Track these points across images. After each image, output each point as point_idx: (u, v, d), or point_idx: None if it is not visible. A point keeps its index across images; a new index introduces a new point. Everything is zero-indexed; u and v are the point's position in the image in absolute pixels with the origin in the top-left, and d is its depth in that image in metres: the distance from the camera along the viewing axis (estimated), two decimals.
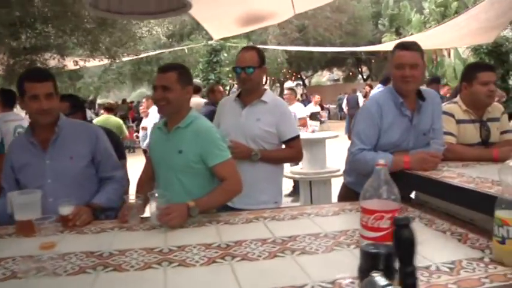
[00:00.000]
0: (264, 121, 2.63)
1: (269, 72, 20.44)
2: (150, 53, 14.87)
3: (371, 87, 12.80)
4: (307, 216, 2.06)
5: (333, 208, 2.22)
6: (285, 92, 7.76)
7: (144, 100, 8.34)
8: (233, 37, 13.28)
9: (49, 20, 6.61)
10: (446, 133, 2.57)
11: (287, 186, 6.66)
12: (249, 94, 2.71)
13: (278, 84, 28.08)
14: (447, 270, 1.36)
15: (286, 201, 6.43)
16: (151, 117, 7.43)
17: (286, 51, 18.21)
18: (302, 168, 5.77)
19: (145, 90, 21.24)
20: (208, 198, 2.10)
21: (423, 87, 2.44)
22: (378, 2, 23.21)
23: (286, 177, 6.07)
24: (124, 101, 20.12)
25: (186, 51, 16.08)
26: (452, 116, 2.66)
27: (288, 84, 30.14)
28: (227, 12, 4.83)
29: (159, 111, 2.53)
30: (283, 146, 2.73)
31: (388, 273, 1.13)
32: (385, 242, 1.17)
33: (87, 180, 2.31)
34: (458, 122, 2.67)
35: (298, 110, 7.18)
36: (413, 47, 2.36)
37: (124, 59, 8.98)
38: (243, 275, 1.39)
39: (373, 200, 1.17)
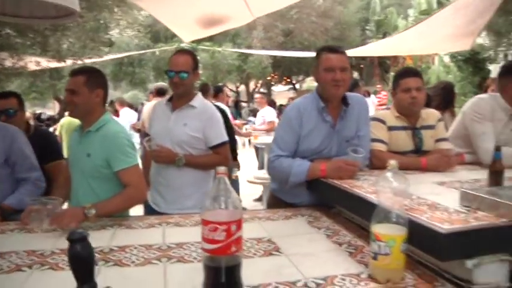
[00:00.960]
0: (191, 126, 2.57)
1: (253, 76, 20.39)
2: (119, 55, 14.78)
3: (368, 93, 12.39)
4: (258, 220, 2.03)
5: (286, 213, 2.15)
6: (256, 95, 7.73)
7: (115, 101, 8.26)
8: (210, 39, 13.22)
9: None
10: (376, 140, 2.49)
11: (257, 191, 6.65)
12: (179, 98, 2.65)
13: (266, 90, 28.07)
14: (313, 286, 1.28)
15: (255, 205, 6.40)
16: (122, 119, 7.36)
17: (271, 55, 18.18)
18: (265, 173, 5.70)
19: (137, 92, 21.07)
20: (107, 202, 2.05)
21: (349, 93, 2.35)
22: (366, 8, 23.23)
23: (249, 181, 6.04)
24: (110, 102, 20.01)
25: (158, 53, 16.01)
26: (384, 122, 2.58)
27: (279, 88, 30.07)
28: (186, 14, 4.76)
29: (69, 115, 2.49)
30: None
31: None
32: (223, 255, 1.08)
33: (1, 180, 2.32)
34: (390, 128, 2.59)
35: (268, 113, 7.14)
36: (340, 50, 2.30)
37: (87, 61, 8.87)
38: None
39: (214, 210, 1.08)
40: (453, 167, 2.43)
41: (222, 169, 1.10)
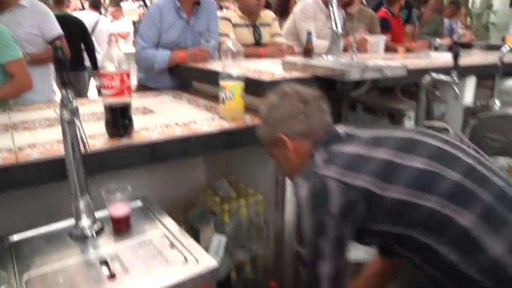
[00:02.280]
0: (25, 24, 2.80)
1: None
2: None
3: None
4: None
5: (153, 93, 2.60)
6: (109, 9, 7.72)
7: None
8: None
9: None
10: (223, 34, 3.03)
11: None
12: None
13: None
14: (181, 124, 1.83)
15: None
16: None
17: None
18: None
19: None
20: None
21: None
22: None
23: None
24: None
25: None
26: (229, 20, 3.14)
27: (128, 5, 28.69)
28: None
29: None
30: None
31: None
32: (120, 97, 1.56)
33: None
34: (235, 25, 3.16)
35: (125, 24, 7.29)
36: None
37: None
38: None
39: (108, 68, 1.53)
40: (284, 56, 3.11)
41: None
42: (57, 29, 2.91)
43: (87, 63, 4.94)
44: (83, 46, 4.79)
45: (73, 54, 4.48)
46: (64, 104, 1.12)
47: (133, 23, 8.78)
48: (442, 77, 1.98)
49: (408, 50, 4.12)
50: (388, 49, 3.98)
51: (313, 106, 1.34)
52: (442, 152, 1.19)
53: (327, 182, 1.15)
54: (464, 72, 3.19)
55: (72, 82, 1.14)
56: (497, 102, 3.29)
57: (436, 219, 1.10)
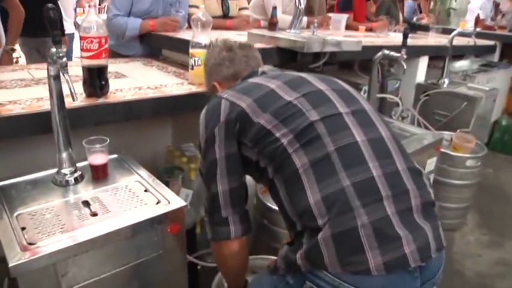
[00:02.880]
0: None
1: None
2: None
3: None
4: None
5: (125, 60, 2.73)
6: None
7: None
8: None
9: None
10: (192, 6, 3.14)
11: None
12: None
13: None
14: (153, 87, 1.97)
15: None
16: None
17: None
18: None
19: None
20: None
21: None
22: None
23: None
24: None
25: None
26: None
27: None
28: None
29: None
30: None
31: None
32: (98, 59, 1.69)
33: None
34: None
35: None
36: None
37: None
38: None
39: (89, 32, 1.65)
40: (251, 28, 3.26)
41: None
42: None
43: None
44: None
45: (39, 20, 4.49)
46: (53, 60, 1.25)
47: None
48: (393, 53, 2.18)
49: (369, 29, 4.35)
50: (350, 27, 4.20)
51: (237, 53, 1.46)
52: (319, 94, 1.22)
53: (220, 101, 1.25)
54: (417, 52, 3.45)
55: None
56: (446, 81, 3.57)
57: (280, 154, 1.13)
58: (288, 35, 2.29)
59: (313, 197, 1.05)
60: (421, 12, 6.52)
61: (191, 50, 2.03)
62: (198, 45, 2.02)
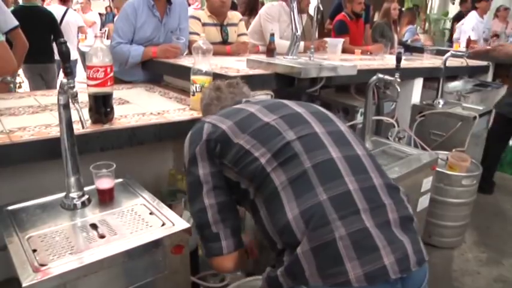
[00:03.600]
0: None
1: None
2: None
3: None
4: None
5: (127, 86, 2.82)
6: (80, 0, 7.80)
7: None
8: None
9: None
10: (193, 33, 3.25)
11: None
12: None
13: None
14: (155, 113, 2.05)
15: None
16: None
17: None
18: None
19: None
20: None
21: None
22: None
23: (78, 82, 6.37)
24: None
25: None
26: (199, 19, 3.36)
27: None
28: None
29: None
30: None
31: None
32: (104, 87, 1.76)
33: None
34: (204, 24, 3.38)
35: (93, 16, 7.39)
36: None
37: None
38: None
39: (96, 60, 1.73)
40: (249, 54, 3.36)
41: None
42: (12, 20, 2.97)
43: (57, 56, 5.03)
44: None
45: (42, 46, 4.59)
46: (64, 90, 1.32)
47: (100, 15, 8.92)
48: (387, 77, 2.26)
49: (365, 52, 4.45)
50: (347, 51, 4.30)
51: (224, 91, 1.56)
52: (296, 115, 1.28)
53: (203, 124, 1.32)
54: (412, 73, 3.54)
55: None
56: (441, 102, 3.65)
57: (259, 174, 1.17)
58: (286, 61, 2.38)
59: (291, 213, 1.08)
60: None
61: (192, 77, 2.11)
62: (199, 72, 2.10)
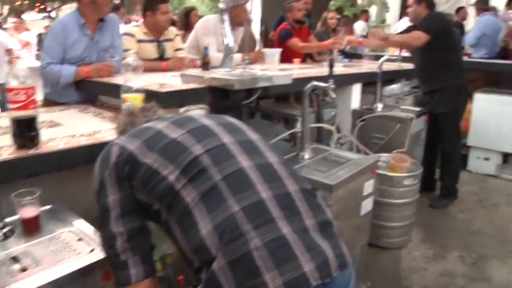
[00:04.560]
0: None
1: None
2: None
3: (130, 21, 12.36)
4: None
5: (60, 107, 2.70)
6: (15, 19, 7.53)
7: None
8: None
9: None
10: (127, 50, 3.17)
11: None
12: None
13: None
14: (86, 135, 1.97)
15: None
16: None
17: None
18: None
19: None
20: None
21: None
22: None
23: None
24: None
25: None
26: (133, 36, 3.30)
27: (31, 16, 27.52)
28: None
29: None
30: None
31: None
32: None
33: None
34: (139, 41, 3.32)
35: (28, 36, 7.16)
36: None
37: None
38: None
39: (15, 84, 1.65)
40: (186, 69, 3.32)
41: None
42: None
43: None
44: None
45: None
46: None
47: (40, 34, 8.66)
48: (321, 84, 2.28)
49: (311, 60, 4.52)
50: (301, 51, 4.38)
51: (138, 116, 1.51)
52: (203, 128, 1.26)
53: (112, 147, 1.29)
54: (350, 79, 3.61)
55: None
56: (380, 106, 3.74)
57: (169, 193, 1.14)
58: (220, 74, 2.36)
59: (205, 229, 1.05)
60: None
61: (123, 95, 2.06)
62: (129, 90, 2.05)
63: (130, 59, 2.06)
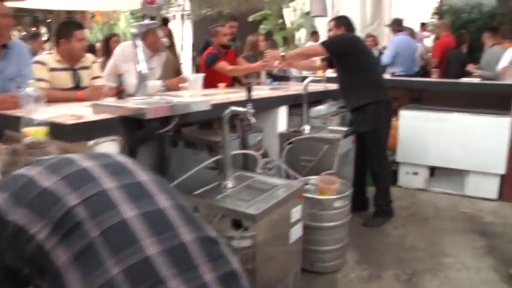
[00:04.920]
0: None
1: None
2: None
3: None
4: None
5: None
6: None
7: None
8: None
9: None
10: (38, 79, 2.96)
11: None
12: None
13: None
14: None
15: None
16: None
17: None
18: None
19: None
20: None
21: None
22: None
23: None
24: None
25: None
26: (44, 64, 3.09)
27: None
28: None
29: None
30: None
31: None
32: None
33: None
34: (52, 69, 3.11)
35: None
36: None
37: None
38: None
39: None
40: (104, 98, 3.14)
41: None
42: None
43: None
44: None
45: None
46: None
47: None
48: (240, 109, 2.20)
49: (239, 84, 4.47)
50: (231, 73, 4.35)
51: (22, 155, 1.30)
52: (82, 172, 1.08)
53: None
54: (274, 102, 3.57)
55: None
56: (307, 127, 3.72)
57: (37, 256, 0.96)
58: (133, 102, 2.22)
59: None
60: None
61: (23, 129, 1.87)
62: (31, 123, 1.87)
63: (31, 89, 1.89)
